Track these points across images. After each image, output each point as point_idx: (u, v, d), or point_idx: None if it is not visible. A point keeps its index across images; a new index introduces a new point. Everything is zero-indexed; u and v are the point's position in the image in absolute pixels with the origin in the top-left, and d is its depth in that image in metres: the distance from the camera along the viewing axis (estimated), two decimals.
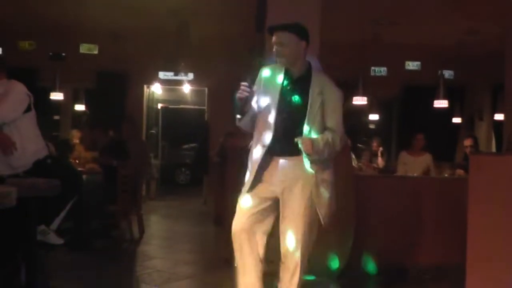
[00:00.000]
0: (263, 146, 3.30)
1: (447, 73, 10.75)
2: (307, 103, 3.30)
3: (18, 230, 3.82)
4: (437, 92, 8.97)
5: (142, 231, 7.04)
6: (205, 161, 10.44)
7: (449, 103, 9.21)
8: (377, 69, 11.42)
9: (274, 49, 3.38)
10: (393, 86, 11.48)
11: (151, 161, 10.57)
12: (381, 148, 8.89)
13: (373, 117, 11.52)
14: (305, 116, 3.28)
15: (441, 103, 8.96)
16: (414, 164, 7.22)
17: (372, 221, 5.33)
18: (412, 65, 11.52)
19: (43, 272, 4.24)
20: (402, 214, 5.44)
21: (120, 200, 6.46)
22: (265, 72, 3.47)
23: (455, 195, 5.09)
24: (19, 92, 4.38)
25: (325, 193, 3.37)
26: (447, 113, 10.35)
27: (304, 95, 3.33)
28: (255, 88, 3.38)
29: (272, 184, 3.35)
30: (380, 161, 8.69)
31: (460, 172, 6.83)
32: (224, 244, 5.73)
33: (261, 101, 3.36)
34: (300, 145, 3.20)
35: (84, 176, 6.17)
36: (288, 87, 3.38)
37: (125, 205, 6.61)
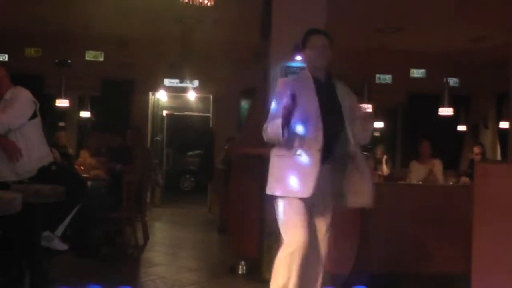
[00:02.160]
0: (318, 150, 3.27)
1: (452, 81, 10.73)
2: (340, 106, 3.39)
3: (22, 236, 3.83)
4: (442, 99, 8.95)
5: (146, 237, 7.04)
6: (209, 168, 10.44)
7: (454, 110, 9.19)
8: (382, 76, 11.42)
9: (315, 51, 3.42)
10: (398, 94, 11.46)
11: (155, 167, 10.60)
12: (385, 156, 8.87)
13: (378, 124, 11.49)
14: (343, 119, 3.35)
15: (446, 111, 8.94)
16: (425, 172, 7.21)
17: (377, 228, 5.31)
18: (417, 72, 11.52)
19: (47, 278, 4.24)
20: (406, 222, 5.42)
21: (125, 206, 6.46)
22: (289, 84, 3.46)
23: (460, 203, 5.07)
24: (25, 99, 4.40)
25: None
26: (452, 121, 10.33)
27: (336, 99, 3.43)
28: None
29: (320, 190, 3.32)
30: (384, 169, 8.66)
31: (465, 180, 6.82)
32: (228, 252, 5.74)
33: (300, 107, 3.26)
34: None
35: (88, 183, 6.18)
36: (322, 93, 3.41)
37: (130, 211, 6.61)
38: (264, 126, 3.36)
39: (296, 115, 3.23)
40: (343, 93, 3.46)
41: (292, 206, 3.29)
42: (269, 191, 3.40)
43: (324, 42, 3.44)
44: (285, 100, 3.16)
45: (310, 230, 3.31)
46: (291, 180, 3.28)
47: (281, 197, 3.33)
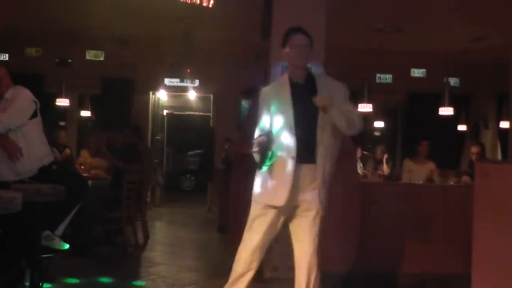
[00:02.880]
0: (292, 158, 3.29)
1: (453, 81, 10.72)
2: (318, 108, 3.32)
3: (23, 235, 3.83)
4: (442, 99, 8.95)
5: (146, 237, 7.05)
6: (210, 168, 10.45)
7: (454, 110, 9.18)
8: (382, 76, 11.42)
9: (296, 51, 3.39)
10: (398, 93, 11.47)
11: (156, 167, 10.59)
12: (385, 156, 8.86)
13: (378, 124, 11.50)
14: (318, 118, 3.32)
15: (446, 111, 8.93)
16: (419, 172, 7.20)
17: (377, 227, 5.32)
18: (417, 72, 11.52)
19: (47, 277, 4.24)
20: (407, 221, 5.43)
21: (125, 206, 6.46)
22: (268, 90, 3.51)
23: (460, 202, 5.08)
24: (25, 98, 4.40)
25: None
26: (452, 121, 10.31)
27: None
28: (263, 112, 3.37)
29: (296, 191, 3.35)
30: (385, 168, 8.67)
31: (465, 179, 6.81)
32: (228, 251, 5.73)
33: (277, 119, 3.36)
34: (316, 101, 3.23)
35: (89, 182, 6.18)
36: (298, 95, 3.39)
37: (130, 211, 6.61)
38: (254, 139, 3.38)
39: (273, 124, 3.33)
40: (325, 90, 3.38)
41: (262, 212, 3.38)
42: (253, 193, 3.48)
43: (305, 42, 3.41)
44: (261, 139, 3.22)
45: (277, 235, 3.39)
46: (267, 187, 3.37)
47: (257, 201, 3.43)
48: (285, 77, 3.49)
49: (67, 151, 8.70)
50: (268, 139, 3.23)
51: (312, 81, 3.44)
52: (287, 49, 3.45)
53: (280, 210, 3.36)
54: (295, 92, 3.40)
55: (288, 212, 3.40)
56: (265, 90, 3.54)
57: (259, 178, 3.44)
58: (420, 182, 6.84)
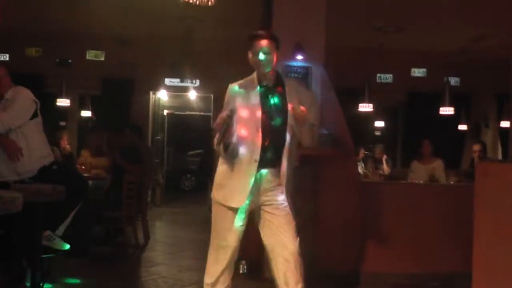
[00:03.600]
0: (255, 161, 3.26)
1: (453, 80, 10.72)
2: (286, 111, 3.29)
3: (23, 236, 3.83)
4: (443, 99, 8.95)
5: (147, 237, 7.05)
6: (210, 168, 10.42)
7: (455, 110, 9.19)
8: (383, 75, 11.41)
9: (259, 57, 3.35)
10: (399, 93, 11.46)
11: (156, 167, 10.58)
12: (385, 156, 8.86)
13: (379, 123, 11.50)
14: (285, 126, 3.29)
15: (447, 110, 8.93)
16: (426, 171, 7.21)
17: (378, 227, 5.31)
18: (418, 72, 11.51)
19: (48, 278, 4.24)
20: (407, 221, 5.42)
21: (126, 206, 6.46)
22: (236, 89, 3.46)
23: (461, 202, 5.07)
24: (25, 98, 4.41)
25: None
26: (453, 120, 10.32)
27: (283, 101, 3.34)
28: (228, 110, 3.28)
29: (259, 195, 3.33)
30: (385, 168, 8.67)
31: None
32: None
33: (242, 118, 3.29)
34: (294, 111, 3.17)
35: (89, 182, 6.18)
36: (267, 97, 3.36)
37: (131, 211, 6.61)
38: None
39: (238, 124, 3.25)
40: (293, 94, 3.35)
41: (223, 213, 3.37)
42: (212, 194, 3.46)
43: (269, 47, 3.35)
44: (224, 114, 3.19)
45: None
46: (226, 188, 3.35)
47: (217, 202, 3.40)
48: (253, 77, 3.44)
49: (68, 147, 8.65)
50: (230, 116, 3.16)
51: (280, 84, 3.40)
52: (249, 55, 3.42)
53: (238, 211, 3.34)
54: (263, 94, 3.36)
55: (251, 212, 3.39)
56: (232, 88, 3.49)
57: (219, 176, 3.42)
58: (421, 182, 6.84)
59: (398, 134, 12.27)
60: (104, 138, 8.08)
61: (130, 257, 6.36)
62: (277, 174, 3.34)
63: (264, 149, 3.28)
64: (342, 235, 5.07)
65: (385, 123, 11.50)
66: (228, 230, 3.37)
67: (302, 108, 3.15)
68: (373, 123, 11.51)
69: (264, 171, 3.32)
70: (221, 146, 3.23)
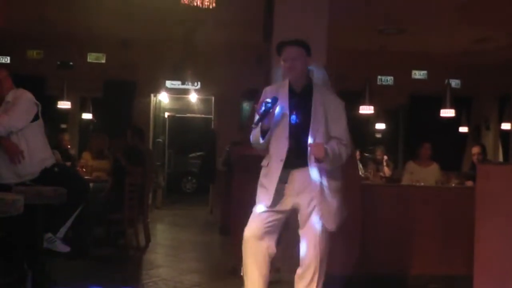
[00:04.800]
0: (281, 160, 3.36)
1: (454, 82, 10.73)
2: (310, 120, 3.39)
3: (24, 238, 3.83)
4: (443, 101, 8.95)
5: (148, 239, 7.04)
6: (211, 170, 10.44)
7: (456, 112, 9.19)
8: (383, 78, 11.43)
9: (285, 64, 3.43)
10: (400, 95, 11.46)
11: (157, 169, 10.58)
12: (385, 157, 8.85)
13: (380, 126, 11.50)
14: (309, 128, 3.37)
15: (447, 112, 8.93)
16: (422, 174, 7.19)
17: (379, 229, 5.31)
18: (419, 74, 11.52)
19: (48, 280, 4.24)
20: (408, 223, 5.42)
21: (127, 208, 6.46)
22: (270, 91, 3.54)
23: (462, 205, 5.07)
24: (27, 101, 4.41)
25: (332, 201, 3.40)
26: (453, 122, 10.32)
27: (309, 107, 3.43)
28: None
29: (289, 196, 3.43)
30: (386, 170, 8.65)
31: (469, 184, 6.79)
32: (230, 253, 5.74)
33: (275, 121, 3.41)
34: (312, 150, 3.29)
35: (90, 184, 6.18)
36: (295, 102, 3.46)
37: (132, 213, 6.61)
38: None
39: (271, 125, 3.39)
40: (319, 100, 3.44)
41: (255, 210, 3.49)
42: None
43: (294, 55, 3.43)
44: (268, 99, 3.31)
45: (269, 231, 3.45)
46: (260, 188, 3.50)
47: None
48: (286, 82, 3.54)
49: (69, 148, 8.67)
50: (272, 102, 3.30)
51: (309, 92, 3.48)
52: (281, 61, 3.51)
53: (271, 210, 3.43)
54: (292, 99, 3.46)
55: (287, 214, 3.48)
56: (268, 89, 3.59)
57: (260, 177, 3.53)
58: (422, 184, 6.83)
59: (399, 136, 12.28)
60: (105, 141, 8.09)
61: (131, 259, 6.35)
62: (308, 175, 3.39)
63: (290, 151, 3.38)
64: (343, 237, 5.07)
65: (386, 125, 11.50)
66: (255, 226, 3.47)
67: (314, 145, 3.28)
68: (374, 125, 11.51)
69: (295, 172, 3.41)
70: (259, 133, 3.34)
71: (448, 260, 5.35)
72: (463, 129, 11.16)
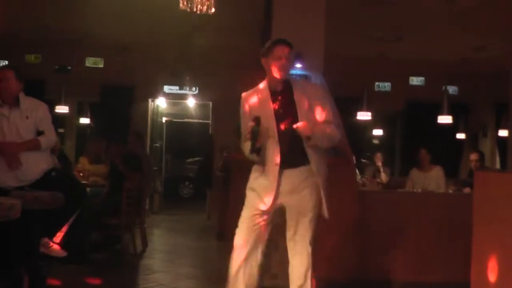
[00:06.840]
0: (276, 164, 3.36)
1: (451, 89, 10.77)
2: (296, 113, 3.39)
3: (21, 243, 3.82)
4: (441, 107, 8.97)
5: (145, 244, 7.03)
6: (208, 175, 10.43)
7: (453, 119, 9.20)
8: (381, 84, 11.46)
9: (279, 61, 3.41)
10: (397, 102, 11.49)
11: (154, 174, 10.57)
12: (380, 163, 8.84)
13: (377, 132, 11.52)
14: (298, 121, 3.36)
15: (445, 119, 8.95)
16: (426, 179, 7.20)
17: (376, 236, 5.31)
18: (416, 80, 11.56)
19: (45, 285, 4.23)
20: (406, 230, 5.42)
21: (124, 213, 6.45)
22: (248, 97, 3.56)
23: (459, 211, 5.08)
24: (48, 113, 4.52)
25: (324, 190, 3.45)
26: (451, 129, 10.34)
27: (292, 101, 3.43)
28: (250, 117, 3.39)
29: (281, 195, 3.41)
30: (383, 177, 8.66)
31: (467, 190, 6.79)
32: (227, 259, 5.73)
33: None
34: (298, 130, 3.27)
35: (87, 189, 6.17)
36: (278, 102, 3.46)
37: (129, 218, 6.60)
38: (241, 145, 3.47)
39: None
40: (299, 91, 3.45)
41: (244, 214, 3.48)
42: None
43: (289, 56, 3.46)
44: (250, 124, 3.28)
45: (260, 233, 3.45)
46: (254, 192, 3.46)
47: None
48: (264, 84, 3.53)
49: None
50: (256, 123, 3.27)
51: (288, 87, 3.49)
52: (269, 60, 3.46)
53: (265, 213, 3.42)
54: (274, 100, 3.46)
55: (277, 215, 3.47)
56: (244, 96, 3.59)
57: (250, 180, 3.52)
58: (419, 190, 6.84)
59: (396, 142, 12.30)
60: (102, 145, 8.07)
61: (128, 265, 6.33)
62: (305, 173, 3.40)
63: (282, 152, 3.36)
64: (340, 243, 5.07)
65: (383, 132, 11.52)
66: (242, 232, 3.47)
67: (299, 125, 3.25)
68: (372, 132, 11.53)
69: (287, 173, 3.39)
70: (253, 153, 3.33)
71: (446, 266, 5.36)
72: (461, 136, 11.18)
